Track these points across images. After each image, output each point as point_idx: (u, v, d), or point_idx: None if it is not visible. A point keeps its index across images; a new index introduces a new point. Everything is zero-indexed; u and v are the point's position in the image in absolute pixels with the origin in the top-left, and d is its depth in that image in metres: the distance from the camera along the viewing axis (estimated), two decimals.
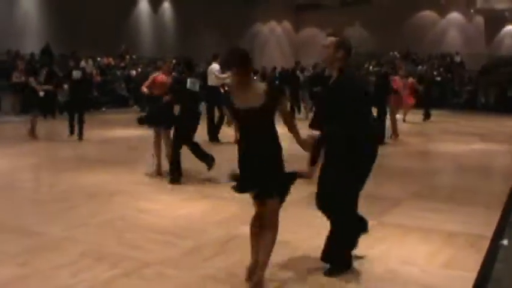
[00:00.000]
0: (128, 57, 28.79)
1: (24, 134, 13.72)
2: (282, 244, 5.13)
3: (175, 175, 8.95)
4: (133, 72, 26.01)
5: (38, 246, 5.72)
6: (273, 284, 4.75)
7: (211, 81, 14.06)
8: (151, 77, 9.88)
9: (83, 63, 23.38)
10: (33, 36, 25.68)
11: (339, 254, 5.11)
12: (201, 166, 9.27)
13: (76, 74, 13.82)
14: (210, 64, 14.76)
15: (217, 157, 9.38)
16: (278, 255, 4.99)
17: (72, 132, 14.00)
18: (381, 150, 12.70)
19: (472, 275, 5.00)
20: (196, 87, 9.21)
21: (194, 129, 9.19)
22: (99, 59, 25.78)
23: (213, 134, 13.94)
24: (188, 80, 9.14)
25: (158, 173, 9.53)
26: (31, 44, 24.69)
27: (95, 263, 5.23)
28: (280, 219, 4.67)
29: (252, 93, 4.53)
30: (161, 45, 31.51)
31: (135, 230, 6.34)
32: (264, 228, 4.65)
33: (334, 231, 5.08)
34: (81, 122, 13.74)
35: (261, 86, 4.62)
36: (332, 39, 5.04)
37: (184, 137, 9.05)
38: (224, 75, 13.48)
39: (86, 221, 6.65)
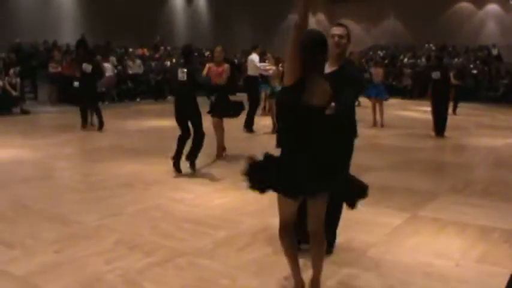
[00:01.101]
0: (162, 48, 28.94)
1: (60, 124, 13.89)
2: None
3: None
4: (168, 63, 26.12)
5: (73, 234, 5.81)
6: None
7: (251, 70, 14.45)
8: (207, 67, 9.98)
9: (130, 63, 23.57)
10: (69, 27, 25.99)
11: (334, 233, 5.28)
12: (237, 157, 9.27)
13: (86, 67, 13.92)
14: (249, 54, 15.08)
15: (252, 149, 9.40)
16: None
17: (85, 123, 13.99)
18: (418, 144, 12.67)
19: (505, 271, 4.93)
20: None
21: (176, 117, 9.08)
22: (131, 49, 25.93)
23: (249, 124, 14.11)
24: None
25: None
26: (66, 35, 25.00)
27: (129, 251, 5.29)
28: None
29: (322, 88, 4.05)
30: (195, 37, 31.60)
31: (169, 219, 6.40)
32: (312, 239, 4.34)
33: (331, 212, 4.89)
34: (97, 113, 13.88)
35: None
36: (345, 29, 5.09)
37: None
38: (267, 67, 14.01)
39: (121, 210, 6.73)
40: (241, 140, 12.48)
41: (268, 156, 4.18)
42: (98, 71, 14.48)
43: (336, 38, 5.02)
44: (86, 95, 13.98)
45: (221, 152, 10.19)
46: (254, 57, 14.49)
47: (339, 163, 4.26)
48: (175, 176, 8.70)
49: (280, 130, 4.29)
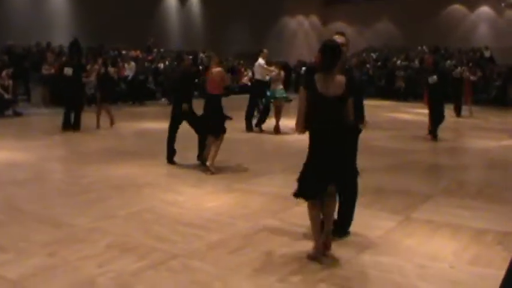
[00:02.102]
0: (155, 50, 28.90)
1: (53, 126, 13.84)
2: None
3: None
4: (161, 66, 26.10)
5: (66, 237, 5.78)
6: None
7: (258, 75, 15.19)
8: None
9: (126, 65, 23.50)
10: (62, 29, 25.93)
11: (350, 217, 5.97)
12: (229, 160, 9.27)
13: (67, 70, 13.92)
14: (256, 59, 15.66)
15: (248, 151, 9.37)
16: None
17: (66, 127, 13.87)
18: (411, 146, 12.68)
19: (499, 273, 4.92)
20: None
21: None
22: (124, 52, 25.89)
23: (249, 124, 14.90)
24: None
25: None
26: (59, 37, 24.93)
27: (122, 254, 5.27)
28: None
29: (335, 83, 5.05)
30: (189, 39, 31.62)
31: (163, 222, 6.37)
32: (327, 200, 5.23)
33: (348, 199, 5.83)
34: (76, 116, 13.94)
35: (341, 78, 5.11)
36: (345, 38, 5.72)
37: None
38: (271, 68, 14.66)
39: (114, 212, 6.70)
40: (237, 142, 12.48)
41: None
42: (81, 71, 14.48)
43: None
44: (70, 98, 14.02)
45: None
46: (261, 61, 15.02)
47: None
48: (168, 179, 8.70)
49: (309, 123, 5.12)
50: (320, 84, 5.00)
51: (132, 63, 23.80)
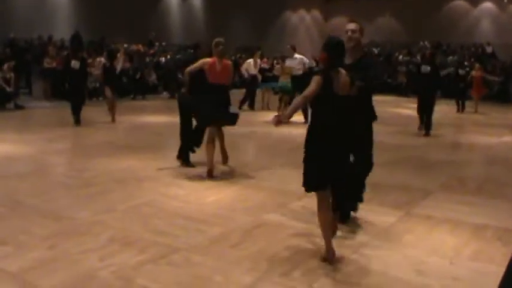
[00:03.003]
0: (157, 44, 28.83)
1: (54, 120, 13.84)
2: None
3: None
4: (163, 60, 26.05)
5: (67, 230, 5.78)
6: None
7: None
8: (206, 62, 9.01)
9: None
10: (64, 23, 25.91)
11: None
12: (230, 154, 9.26)
13: (75, 63, 13.96)
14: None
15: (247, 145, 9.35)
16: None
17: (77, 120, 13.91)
18: (412, 141, 12.67)
19: (499, 269, 4.93)
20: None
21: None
22: (126, 45, 25.79)
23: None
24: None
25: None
26: (61, 31, 24.92)
27: (123, 248, 5.27)
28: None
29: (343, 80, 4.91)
30: (190, 33, 31.55)
31: (163, 215, 6.38)
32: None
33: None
34: (78, 109, 13.89)
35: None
36: (357, 24, 5.81)
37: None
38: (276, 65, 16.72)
39: (115, 206, 6.71)
40: (237, 136, 12.47)
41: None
42: (85, 68, 14.50)
43: (349, 33, 5.75)
44: (75, 92, 14.05)
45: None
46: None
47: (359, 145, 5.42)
48: (169, 172, 8.69)
49: (313, 118, 5.00)
50: (335, 83, 4.83)
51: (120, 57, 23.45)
